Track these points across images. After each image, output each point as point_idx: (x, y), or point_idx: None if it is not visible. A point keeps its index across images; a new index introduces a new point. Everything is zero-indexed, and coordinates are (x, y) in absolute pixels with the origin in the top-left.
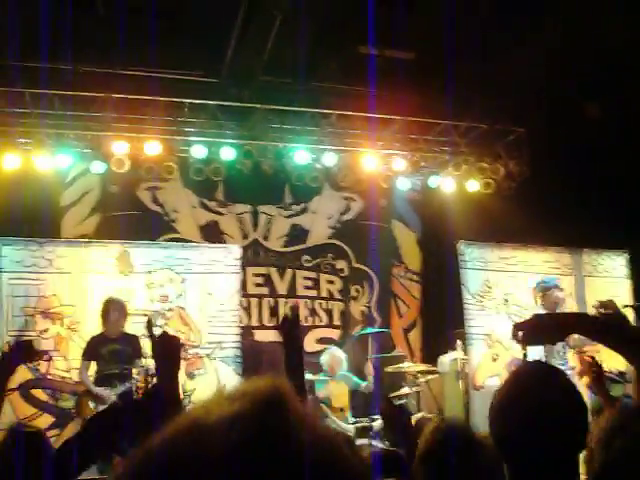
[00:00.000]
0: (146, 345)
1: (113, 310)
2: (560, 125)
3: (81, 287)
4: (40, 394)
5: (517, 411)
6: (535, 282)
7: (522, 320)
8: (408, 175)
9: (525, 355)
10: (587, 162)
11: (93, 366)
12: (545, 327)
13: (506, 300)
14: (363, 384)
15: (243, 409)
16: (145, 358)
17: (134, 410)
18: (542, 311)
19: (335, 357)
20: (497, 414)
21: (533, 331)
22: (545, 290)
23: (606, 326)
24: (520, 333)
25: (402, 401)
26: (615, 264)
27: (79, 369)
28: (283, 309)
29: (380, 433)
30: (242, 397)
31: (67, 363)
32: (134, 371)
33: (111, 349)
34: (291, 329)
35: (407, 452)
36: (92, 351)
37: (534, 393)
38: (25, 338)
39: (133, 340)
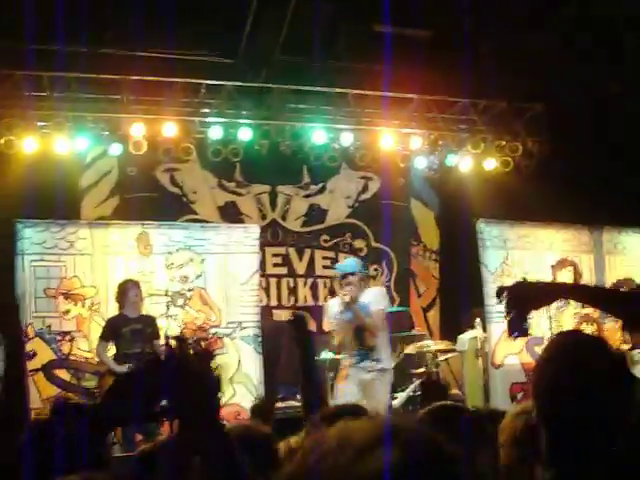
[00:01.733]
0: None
1: (132, 290)
2: (580, 101)
3: (102, 268)
4: (63, 374)
5: (572, 385)
6: (555, 260)
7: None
8: (426, 154)
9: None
10: (607, 139)
11: (111, 348)
12: (530, 292)
13: (525, 278)
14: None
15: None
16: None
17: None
18: None
19: None
20: (551, 390)
21: (518, 296)
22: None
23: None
24: (504, 295)
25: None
26: (636, 242)
27: (97, 350)
28: (302, 290)
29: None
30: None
31: (89, 343)
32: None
33: (132, 329)
34: (299, 336)
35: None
36: (112, 331)
37: (586, 365)
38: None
39: (151, 321)
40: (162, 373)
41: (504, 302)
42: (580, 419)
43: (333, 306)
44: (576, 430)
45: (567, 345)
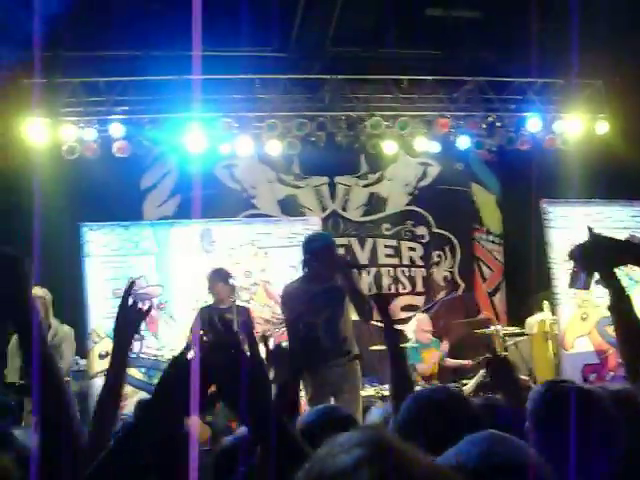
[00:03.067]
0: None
1: (217, 280)
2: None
3: (167, 267)
4: (135, 373)
5: None
6: (623, 237)
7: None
8: (484, 136)
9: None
10: None
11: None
12: (602, 249)
13: (599, 233)
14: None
15: (360, 458)
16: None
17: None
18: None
19: (422, 324)
20: None
21: (589, 249)
22: None
23: None
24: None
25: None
26: None
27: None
28: (365, 279)
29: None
30: (357, 446)
31: (158, 342)
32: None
33: (222, 317)
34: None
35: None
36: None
37: None
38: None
39: (244, 311)
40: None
41: (571, 254)
42: None
43: None
44: None
45: None
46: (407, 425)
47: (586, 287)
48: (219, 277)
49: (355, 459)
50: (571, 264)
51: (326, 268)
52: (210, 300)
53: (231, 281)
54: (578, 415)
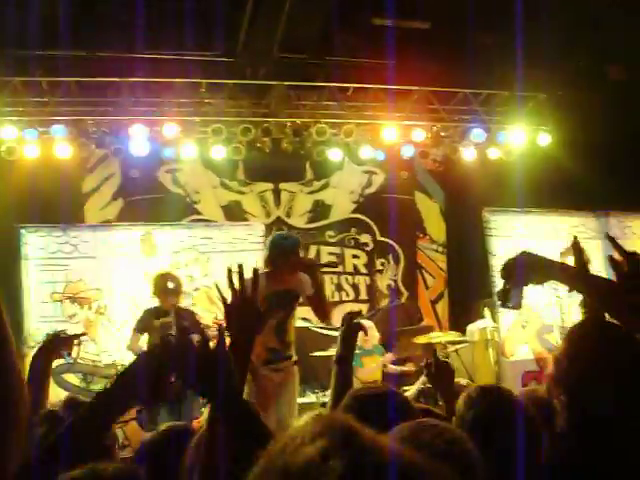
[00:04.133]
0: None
1: (169, 283)
2: (582, 89)
3: (107, 271)
4: (72, 378)
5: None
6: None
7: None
8: (429, 146)
9: (504, 291)
10: (611, 124)
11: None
12: (530, 265)
13: (527, 251)
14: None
15: (326, 448)
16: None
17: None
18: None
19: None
20: (585, 388)
21: (518, 266)
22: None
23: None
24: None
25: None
26: None
27: (130, 340)
28: None
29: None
30: (320, 436)
31: (97, 347)
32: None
33: (164, 322)
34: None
35: (448, 412)
36: (145, 323)
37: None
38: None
39: (187, 314)
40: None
41: (502, 271)
42: (617, 419)
43: None
44: (612, 429)
45: (594, 339)
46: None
47: (518, 306)
48: (169, 280)
49: (321, 450)
50: (501, 282)
51: (292, 267)
52: (154, 303)
53: (173, 285)
54: (504, 417)
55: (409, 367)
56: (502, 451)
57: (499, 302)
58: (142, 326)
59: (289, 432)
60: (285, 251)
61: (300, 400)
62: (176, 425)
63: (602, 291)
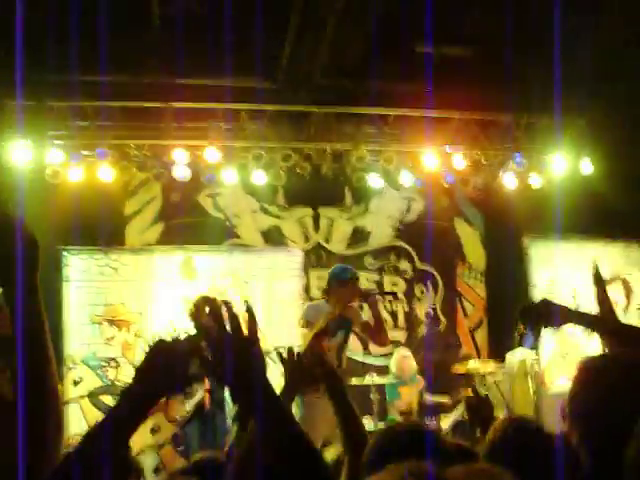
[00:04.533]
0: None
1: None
2: (623, 115)
3: (146, 294)
4: (109, 400)
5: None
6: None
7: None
8: (470, 173)
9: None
10: None
11: None
12: (547, 311)
13: (574, 296)
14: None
15: None
16: None
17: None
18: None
19: (404, 359)
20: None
21: (536, 312)
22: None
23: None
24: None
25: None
26: None
27: None
28: None
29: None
30: None
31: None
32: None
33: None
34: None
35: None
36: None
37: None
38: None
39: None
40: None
41: (521, 316)
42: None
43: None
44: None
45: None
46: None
47: (535, 347)
48: (205, 304)
49: None
50: (518, 325)
51: (350, 295)
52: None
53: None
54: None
55: (446, 398)
56: None
57: (517, 344)
58: None
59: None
60: (343, 281)
61: None
62: (207, 457)
63: (622, 339)
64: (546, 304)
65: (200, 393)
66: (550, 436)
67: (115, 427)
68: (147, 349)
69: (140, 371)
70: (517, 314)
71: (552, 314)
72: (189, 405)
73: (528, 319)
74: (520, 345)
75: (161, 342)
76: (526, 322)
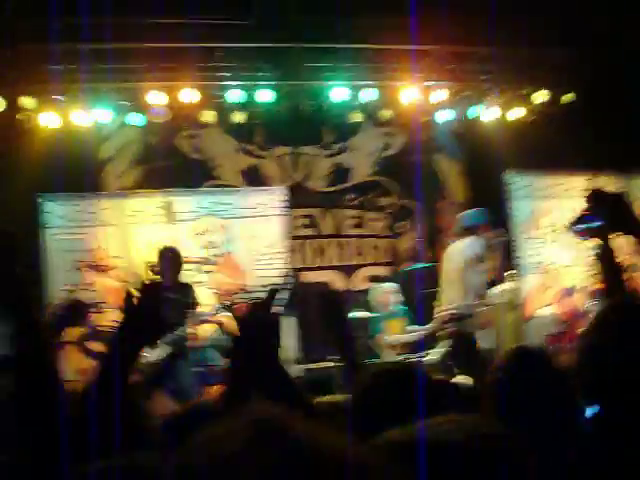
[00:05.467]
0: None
1: (163, 259)
2: (605, 46)
3: (126, 238)
4: (95, 346)
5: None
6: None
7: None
8: (448, 106)
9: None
10: (635, 83)
11: None
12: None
13: (555, 229)
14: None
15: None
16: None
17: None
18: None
19: (385, 293)
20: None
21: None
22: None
23: None
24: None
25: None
26: None
27: None
28: (329, 250)
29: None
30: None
31: (118, 314)
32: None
33: (166, 297)
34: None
35: (476, 378)
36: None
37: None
38: (71, 298)
39: (185, 289)
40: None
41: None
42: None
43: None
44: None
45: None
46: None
47: (583, 235)
48: (163, 255)
49: (243, 442)
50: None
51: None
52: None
53: (176, 258)
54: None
55: (432, 326)
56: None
57: (572, 222)
58: None
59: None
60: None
61: None
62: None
63: None
64: (626, 200)
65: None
66: (554, 362)
67: (111, 374)
68: (132, 293)
69: (128, 316)
70: (590, 194)
71: (627, 212)
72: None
73: (601, 203)
74: (573, 226)
75: (145, 287)
76: (597, 206)
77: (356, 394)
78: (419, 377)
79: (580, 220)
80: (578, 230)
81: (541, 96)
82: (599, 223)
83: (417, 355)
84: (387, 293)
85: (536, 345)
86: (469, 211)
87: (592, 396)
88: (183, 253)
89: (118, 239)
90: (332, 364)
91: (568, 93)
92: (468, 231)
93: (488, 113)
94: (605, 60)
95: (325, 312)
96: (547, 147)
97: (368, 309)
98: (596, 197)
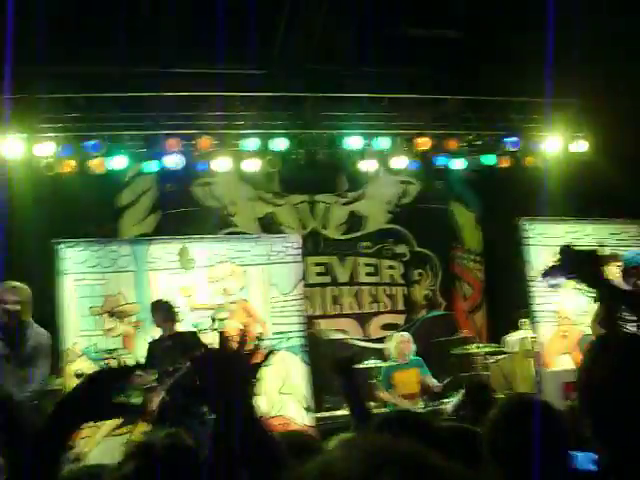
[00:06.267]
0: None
1: (157, 312)
2: (618, 95)
3: (145, 284)
4: None
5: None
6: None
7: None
8: (463, 154)
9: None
10: None
11: None
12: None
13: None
14: (429, 380)
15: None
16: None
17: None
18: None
19: (403, 342)
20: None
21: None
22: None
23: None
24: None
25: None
26: None
27: None
28: (346, 298)
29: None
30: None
31: (133, 359)
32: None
33: (163, 346)
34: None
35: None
36: (149, 353)
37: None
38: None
39: (184, 336)
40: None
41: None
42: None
43: None
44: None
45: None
46: None
47: (555, 286)
48: (156, 308)
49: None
50: (555, 258)
51: None
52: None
53: (169, 310)
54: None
55: (447, 380)
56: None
57: (542, 274)
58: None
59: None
60: None
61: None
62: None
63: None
64: (595, 255)
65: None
66: (551, 408)
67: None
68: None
69: (65, 401)
70: (561, 250)
71: (597, 267)
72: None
73: (568, 259)
74: (545, 277)
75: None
76: (566, 261)
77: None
78: (424, 426)
79: (549, 272)
80: (546, 281)
81: (554, 143)
82: (564, 279)
83: (432, 404)
84: (403, 342)
85: (534, 394)
86: None
87: (598, 437)
88: (199, 300)
89: (136, 285)
90: (347, 412)
91: (581, 140)
92: None
93: (503, 161)
94: (619, 110)
95: (334, 362)
96: (563, 195)
97: (383, 358)
98: (566, 253)
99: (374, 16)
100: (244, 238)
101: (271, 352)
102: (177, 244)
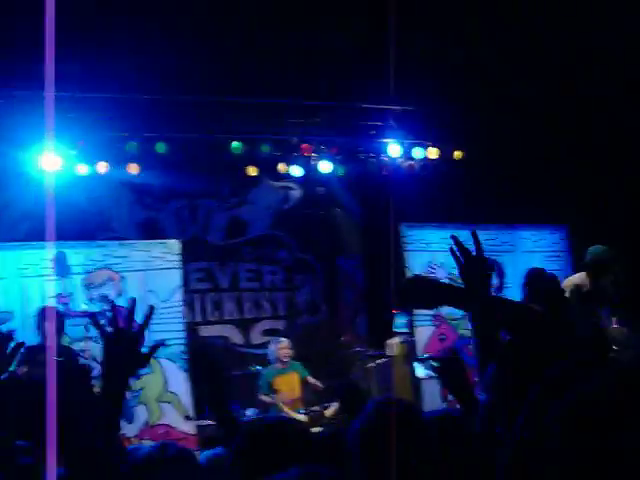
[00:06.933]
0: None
1: (47, 319)
2: (492, 103)
3: (16, 292)
4: None
5: None
6: None
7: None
8: (345, 159)
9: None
10: (521, 139)
11: None
12: (422, 290)
13: (451, 280)
14: (311, 379)
15: None
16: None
17: None
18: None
19: (282, 347)
20: None
21: (410, 292)
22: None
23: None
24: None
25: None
26: (554, 239)
27: None
28: (227, 304)
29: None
30: None
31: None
32: None
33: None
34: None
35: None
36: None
37: None
38: None
39: (66, 351)
40: None
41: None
42: None
43: None
44: None
45: None
46: None
47: (409, 330)
48: (44, 316)
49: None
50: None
51: None
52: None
53: (54, 319)
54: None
55: (326, 385)
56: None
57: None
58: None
59: None
60: None
61: None
62: None
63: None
64: (416, 281)
65: None
66: (418, 412)
67: None
68: None
69: None
70: (394, 298)
71: (423, 291)
72: None
73: (401, 299)
74: (396, 327)
75: None
76: (401, 302)
77: (234, 452)
78: (294, 432)
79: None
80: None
81: (432, 152)
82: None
83: (312, 409)
84: (282, 347)
85: (400, 397)
86: None
87: None
88: (75, 307)
89: (8, 292)
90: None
91: (458, 149)
92: None
93: (383, 167)
94: (493, 119)
95: (204, 369)
96: (440, 201)
97: (265, 363)
98: (396, 294)
99: None
100: (122, 244)
101: (161, 343)
102: (51, 249)
